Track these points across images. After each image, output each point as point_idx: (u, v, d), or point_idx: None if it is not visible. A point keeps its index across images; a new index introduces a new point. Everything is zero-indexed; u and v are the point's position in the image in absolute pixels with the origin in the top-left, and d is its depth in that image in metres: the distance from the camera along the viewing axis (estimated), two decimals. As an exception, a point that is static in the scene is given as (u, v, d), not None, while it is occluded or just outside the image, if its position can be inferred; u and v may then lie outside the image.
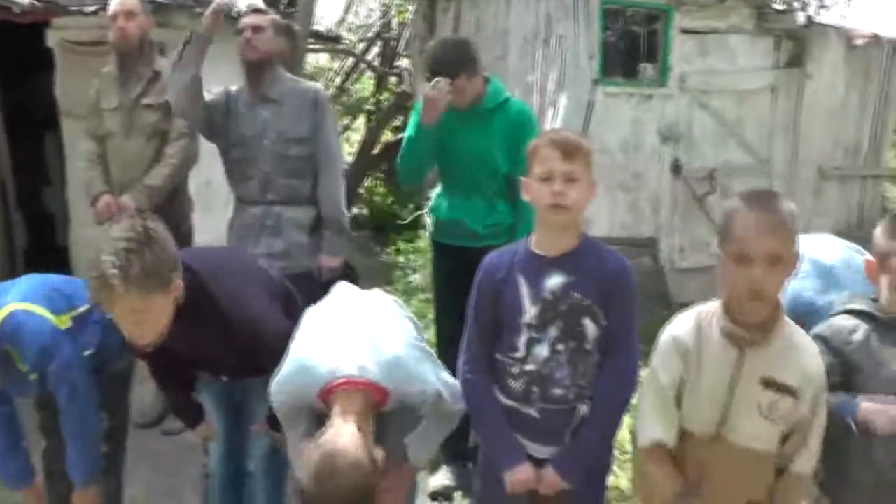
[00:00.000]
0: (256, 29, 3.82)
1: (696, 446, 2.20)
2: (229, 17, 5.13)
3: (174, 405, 3.10)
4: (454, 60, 3.51)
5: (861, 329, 2.30)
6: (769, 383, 2.11)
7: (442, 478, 3.83)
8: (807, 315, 2.53)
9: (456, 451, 3.78)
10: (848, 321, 2.32)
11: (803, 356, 2.15)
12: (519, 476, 2.38)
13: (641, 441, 2.27)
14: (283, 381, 2.37)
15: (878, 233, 2.32)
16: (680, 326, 2.23)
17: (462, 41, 3.80)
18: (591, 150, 2.40)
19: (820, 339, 2.30)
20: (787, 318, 2.14)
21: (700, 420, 2.18)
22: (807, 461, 2.18)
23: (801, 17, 7.47)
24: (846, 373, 2.27)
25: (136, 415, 4.05)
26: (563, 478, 2.36)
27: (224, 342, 2.57)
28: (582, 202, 2.32)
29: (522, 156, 3.61)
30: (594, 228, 6.76)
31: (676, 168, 6.97)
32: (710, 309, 2.20)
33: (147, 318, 2.34)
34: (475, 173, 3.66)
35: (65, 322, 2.72)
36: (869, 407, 2.19)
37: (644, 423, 2.27)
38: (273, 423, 2.60)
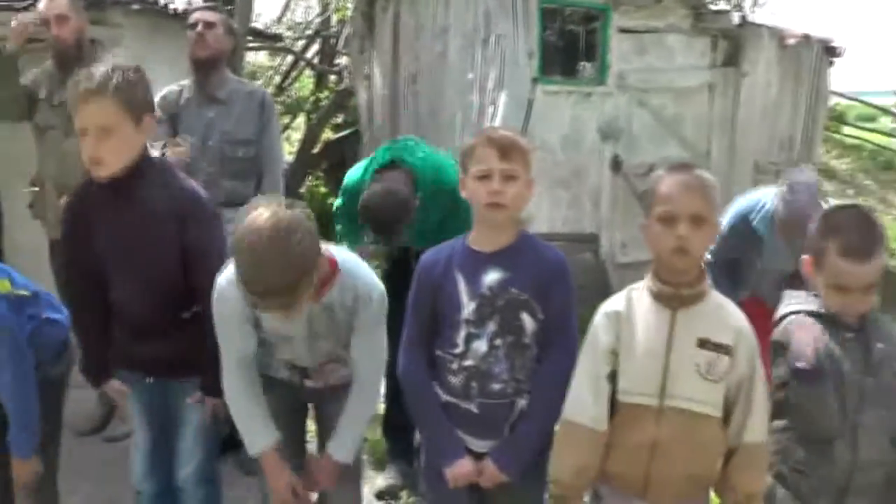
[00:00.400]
0: (209, 25, 3.74)
1: (641, 422, 2.18)
2: (177, 16, 5.04)
3: (83, 344, 2.79)
4: (393, 221, 3.27)
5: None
6: (705, 343, 2.13)
7: (388, 477, 3.81)
8: None
9: (401, 449, 3.77)
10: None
11: (732, 316, 2.21)
12: (459, 470, 2.39)
13: (567, 414, 2.26)
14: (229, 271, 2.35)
15: (812, 230, 2.34)
16: (610, 302, 2.27)
17: (398, 202, 3.27)
18: (529, 148, 2.41)
19: (779, 345, 2.34)
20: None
21: (641, 388, 2.18)
22: (758, 429, 2.19)
23: (735, 18, 7.64)
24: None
25: (77, 421, 3.95)
26: (502, 471, 2.37)
27: (157, 246, 2.50)
28: (520, 200, 2.35)
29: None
30: (536, 225, 6.81)
31: (616, 165, 7.05)
32: (641, 284, 2.25)
33: (111, 141, 2.35)
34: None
35: (4, 286, 2.65)
36: None
37: (574, 401, 2.26)
38: (209, 389, 2.59)
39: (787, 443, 2.35)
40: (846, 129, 12.99)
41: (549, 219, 6.96)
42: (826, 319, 2.29)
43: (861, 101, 15.01)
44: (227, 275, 2.36)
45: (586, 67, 7.31)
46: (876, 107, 16.42)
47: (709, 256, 3.84)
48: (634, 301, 2.22)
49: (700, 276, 2.18)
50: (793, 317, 2.35)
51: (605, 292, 7.27)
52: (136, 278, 2.57)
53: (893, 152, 12.26)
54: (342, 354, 2.57)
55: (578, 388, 2.24)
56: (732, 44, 7.54)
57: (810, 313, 2.32)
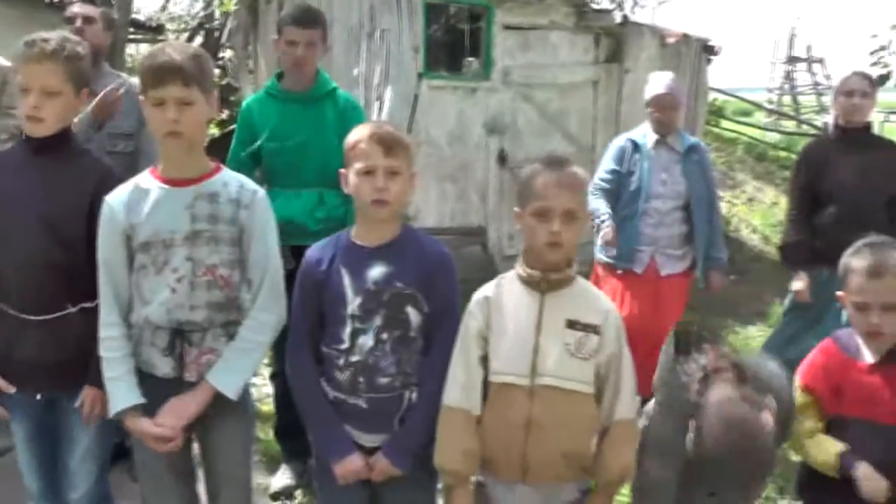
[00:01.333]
0: (88, 20, 3.60)
1: (514, 401, 2.24)
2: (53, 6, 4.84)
3: None
4: (316, 13, 3.55)
5: None
6: (573, 324, 2.25)
7: (282, 477, 3.76)
8: None
9: (295, 449, 3.72)
10: None
11: (598, 298, 2.36)
12: (348, 467, 2.39)
13: (445, 400, 2.31)
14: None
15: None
16: (481, 289, 2.36)
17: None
18: (412, 143, 2.47)
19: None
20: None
21: (512, 369, 2.24)
22: (627, 406, 2.29)
23: (617, 17, 7.82)
24: None
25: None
26: (393, 465, 2.38)
27: (67, 213, 2.50)
28: (403, 195, 2.41)
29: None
30: (424, 219, 6.82)
31: (502, 159, 7.12)
32: (511, 272, 2.34)
33: (54, 103, 2.47)
34: (304, 164, 3.57)
35: None
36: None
37: (449, 387, 2.31)
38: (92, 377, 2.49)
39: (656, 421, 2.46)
40: (724, 123, 13.48)
41: (437, 213, 6.98)
42: None
43: (737, 97, 15.70)
44: (114, 193, 2.42)
45: (472, 63, 7.34)
46: (751, 102, 17.18)
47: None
48: (504, 286, 2.33)
49: (569, 262, 2.29)
50: None
51: (494, 285, 7.34)
52: (33, 243, 2.49)
53: (767, 145, 12.82)
54: (224, 306, 2.45)
55: (453, 374, 2.31)
56: (614, 41, 7.71)
57: None
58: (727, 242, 8.52)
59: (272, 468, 3.87)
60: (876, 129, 15.47)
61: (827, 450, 2.38)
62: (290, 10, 3.67)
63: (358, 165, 2.36)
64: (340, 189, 3.59)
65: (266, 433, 3.96)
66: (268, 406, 4.18)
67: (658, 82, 4.40)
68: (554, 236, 2.18)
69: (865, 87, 4.13)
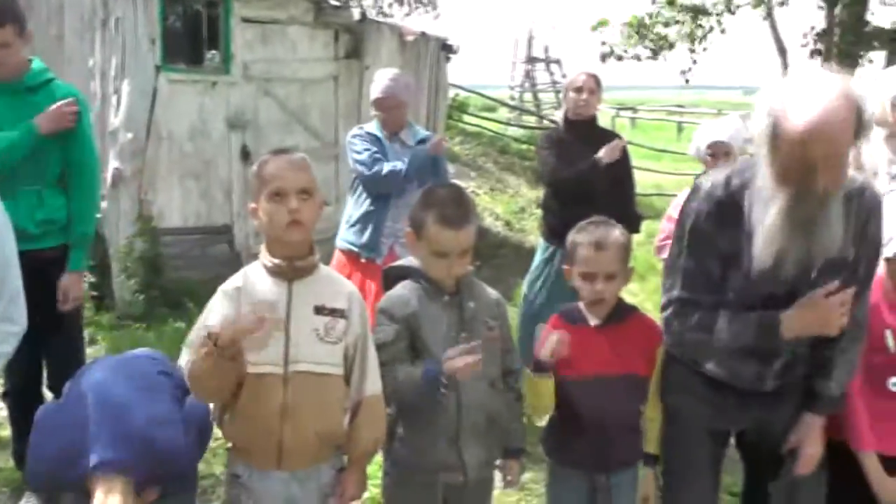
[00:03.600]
0: None
1: (270, 390, 2.28)
2: None
3: None
4: (3, 10, 3.24)
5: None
6: (321, 309, 2.33)
7: None
8: None
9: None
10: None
11: (342, 283, 2.47)
12: None
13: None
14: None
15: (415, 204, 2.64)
16: (228, 281, 2.37)
17: None
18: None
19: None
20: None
21: (267, 357, 2.26)
22: (374, 382, 2.40)
23: (356, 14, 7.95)
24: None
25: None
26: None
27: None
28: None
29: (83, 139, 3.45)
30: (168, 219, 6.62)
31: (245, 155, 7.02)
32: (255, 263, 2.38)
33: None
34: (19, 160, 3.37)
35: None
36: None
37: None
38: None
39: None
40: (468, 118, 14.08)
41: (182, 212, 6.80)
42: (426, 286, 2.53)
43: (479, 94, 16.46)
44: None
45: (214, 56, 7.19)
46: (493, 99, 18.06)
47: None
48: (251, 277, 2.34)
49: (311, 249, 2.35)
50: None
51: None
52: None
53: (509, 138, 13.55)
54: None
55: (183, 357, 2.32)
56: (354, 38, 7.81)
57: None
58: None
59: (17, 498, 3.57)
60: (609, 123, 16.88)
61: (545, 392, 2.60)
62: None
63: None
64: (62, 188, 3.46)
65: (6, 461, 3.74)
66: (5, 430, 3.93)
67: (377, 84, 4.52)
68: (293, 213, 2.22)
69: (592, 84, 4.57)
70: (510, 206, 9.96)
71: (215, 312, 2.28)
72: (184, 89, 6.74)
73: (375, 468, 2.91)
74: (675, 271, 2.45)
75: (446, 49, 8.94)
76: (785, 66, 10.05)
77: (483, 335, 2.52)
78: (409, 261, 2.65)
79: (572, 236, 2.69)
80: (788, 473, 2.53)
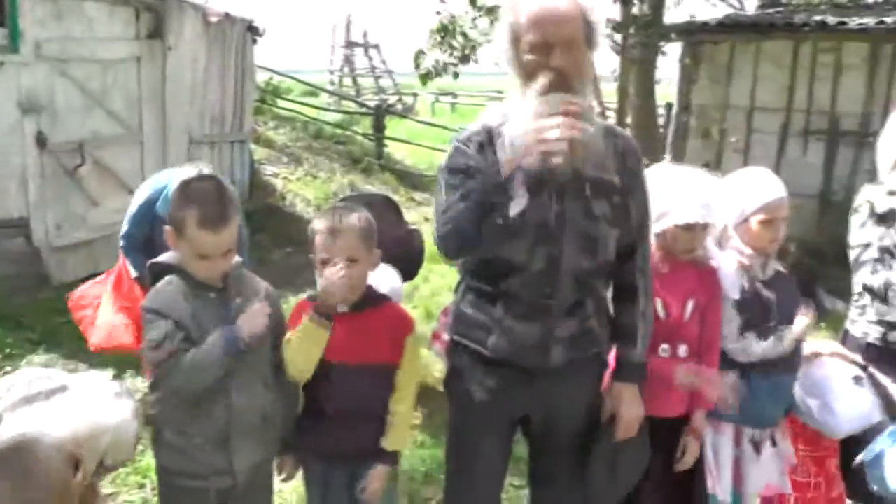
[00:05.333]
0: None
1: None
2: None
3: None
4: None
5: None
6: None
7: None
8: None
9: None
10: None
11: None
12: None
13: None
14: None
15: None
16: None
17: None
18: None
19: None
20: None
21: None
22: None
23: (157, -9, 7.64)
24: None
25: None
26: None
27: None
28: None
29: None
30: (-48, 213, 6.17)
31: (41, 141, 6.56)
32: None
33: None
34: None
35: None
36: None
37: None
38: None
39: (166, 411, 2.46)
40: (282, 103, 13.90)
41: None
42: (192, 282, 2.42)
43: (294, 78, 16.28)
44: None
45: (1, 34, 6.69)
46: (312, 84, 17.90)
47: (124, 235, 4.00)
48: None
49: None
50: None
51: (44, 279, 6.86)
52: None
53: (325, 123, 13.48)
54: None
55: None
56: (156, 16, 7.51)
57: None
58: (284, 216, 8.89)
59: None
60: (429, 109, 17.22)
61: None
62: None
63: None
64: None
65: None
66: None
67: None
68: None
69: None
70: (322, 190, 9.92)
71: None
72: (-33, 70, 6.25)
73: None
74: (438, 214, 2.37)
75: (252, 31, 8.81)
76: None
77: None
78: (173, 255, 2.50)
79: (313, 223, 2.64)
80: (609, 441, 2.52)
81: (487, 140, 2.35)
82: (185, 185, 2.47)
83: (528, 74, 2.25)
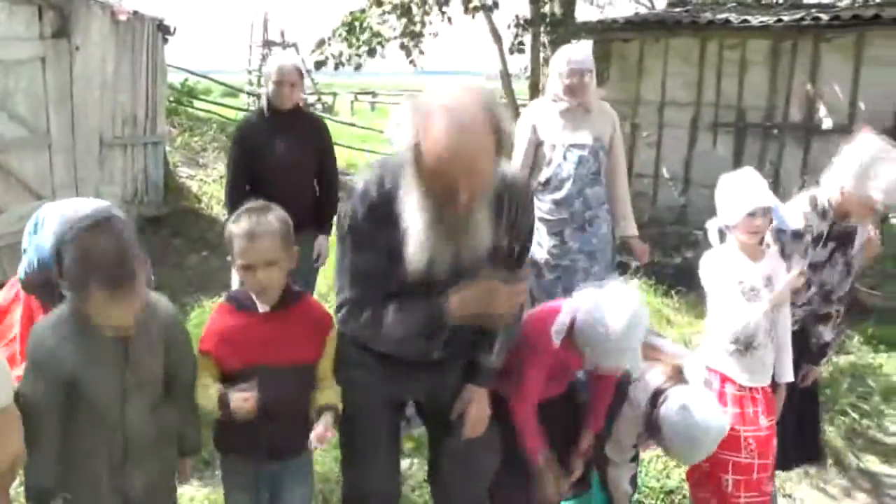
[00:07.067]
0: None
1: None
2: None
3: None
4: None
5: None
6: None
7: None
8: None
9: None
10: None
11: None
12: None
13: None
14: None
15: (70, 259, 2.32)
16: None
17: None
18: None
19: None
20: None
21: None
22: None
23: (61, -12, 7.42)
24: None
25: None
26: None
27: None
28: None
29: None
30: None
31: (-60, 146, 6.37)
32: None
33: None
34: None
35: None
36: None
37: None
38: None
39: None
40: (199, 104, 13.69)
41: None
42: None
43: (210, 79, 16.06)
44: None
45: None
46: (229, 85, 17.68)
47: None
48: None
49: None
50: None
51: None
52: None
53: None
54: None
55: None
56: (60, 15, 7.28)
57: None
58: (200, 219, 8.76)
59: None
60: (348, 108, 17.11)
61: (211, 395, 2.55)
62: None
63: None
64: None
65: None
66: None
67: None
68: None
69: (295, 76, 4.92)
70: (239, 192, 9.79)
71: None
72: None
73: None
74: (342, 272, 2.48)
75: (163, 30, 8.66)
76: (500, 52, 10.61)
77: (142, 364, 2.42)
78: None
79: (229, 226, 2.63)
80: (458, 437, 2.67)
81: (382, 203, 2.32)
82: (83, 246, 2.25)
83: (426, 189, 2.18)
